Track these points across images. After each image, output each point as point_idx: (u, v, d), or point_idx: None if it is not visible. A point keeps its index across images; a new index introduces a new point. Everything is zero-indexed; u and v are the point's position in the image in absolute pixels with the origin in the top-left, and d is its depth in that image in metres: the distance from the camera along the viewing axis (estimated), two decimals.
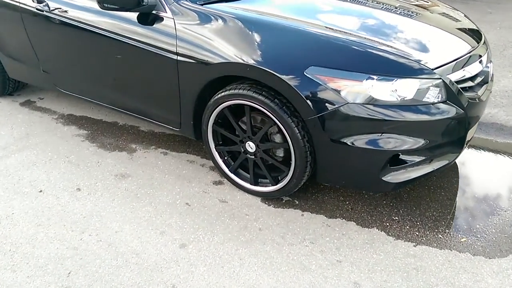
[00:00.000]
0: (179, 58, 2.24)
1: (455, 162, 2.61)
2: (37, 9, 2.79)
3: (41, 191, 2.48)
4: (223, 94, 2.18)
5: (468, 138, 2.17)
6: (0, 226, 2.21)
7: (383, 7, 2.58)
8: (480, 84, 2.25)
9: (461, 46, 2.24)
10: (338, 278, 1.89)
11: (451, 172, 2.57)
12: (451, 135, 2.07)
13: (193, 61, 2.21)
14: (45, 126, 3.19)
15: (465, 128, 2.09)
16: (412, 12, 2.55)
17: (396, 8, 2.58)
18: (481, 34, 2.48)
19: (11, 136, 3.07)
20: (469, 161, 2.68)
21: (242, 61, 2.05)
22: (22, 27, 2.97)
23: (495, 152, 2.77)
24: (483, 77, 2.27)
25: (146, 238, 2.12)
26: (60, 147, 2.91)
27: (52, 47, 2.93)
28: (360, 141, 1.94)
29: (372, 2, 2.66)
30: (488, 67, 2.34)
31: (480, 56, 2.24)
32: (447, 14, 2.68)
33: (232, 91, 2.15)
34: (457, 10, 2.83)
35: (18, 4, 2.90)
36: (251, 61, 2.03)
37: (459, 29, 2.49)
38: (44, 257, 2.01)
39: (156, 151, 2.85)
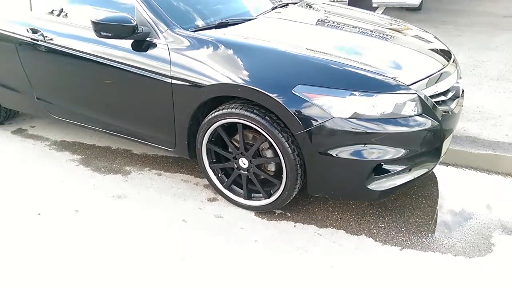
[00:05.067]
0: (174, 81, 2.38)
1: (433, 172, 2.79)
2: (32, 39, 2.91)
3: (39, 214, 2.53)
4: (216, 113, 2.33)
5: (444, 148, 2.35)
6: (4, 247, 2.26)
7: (359, 31, 2.79)
8: (452, 99, 2.45)
9: (433, 64, 2.45)
10: (332, 281, 2.00)
11: (431, 182, 2.74)
12: (428, 145, 2.24)
13: (187, 83, 2.35)
14: (39, 153, 3.26)
15: (441, 139, 2.27)
16: (387, 35, 2.76)
17: (371, 31, 2.79)
18: (450, 53, 2.71)
19: (5, 163, 3.12)
20: (447, 171, 2.86)
21: (234, 82, 2.21)
22: (16, 56, 3.07)
23: (469, 162, 2.97)
24: (454, 92, 2.47)
25: (147, 252, 2.20)
26: (55, 172, 2.97)
27: (46, 75, 3.04)
28: (346, 152, 2.10)
29: (349, 27, 2.87)
30: (459, 83, 2.55)
31: (450, 73, 2.45)
32: (419, 36, 2.91)
33: (225, 111, 2.29)
34: (428, 32, 3.07)
35: (12, 35, 3.02)
36: (242, 82, 2.19)
37: (431, 49, 2.71)
38: (49, 278, 2.07)
39: (151, 172, 2.94)
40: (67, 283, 2.04)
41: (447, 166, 2.89)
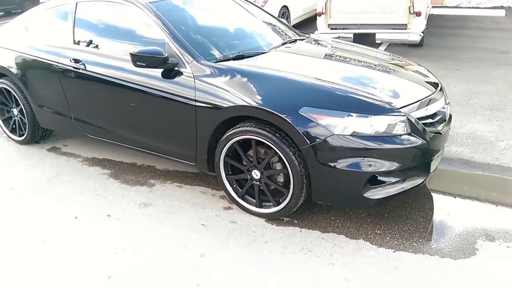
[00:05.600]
0: (197, 104, 2.78)
1: (427, 188, 3.11)
2: (74, 67, 3.37)
3: (76, 217, 2.89)
4: (233, 131, 2.70)
5: (433, 165, 2.68)
6: (49, 244, 2.61)
7: (364, 64, 3.18)
8: (439, 122, 2.80)
9: (422, 91, 2.82)
10: (332, 275, 2.31)
11: (424, 197, 3.05)
12: (417, 160, 2.58)
13: (209, 106, 2.74)
14: (73, 168, 3.65)
15: (429, 156, 2.61)
16: (389, 69, 3.15)
17: (375, 65, 3.18)
18: (438, 83, 3.08)
19: (43, 175, 3.52)
20: (439, 187, 3.17)
21: (248, 104, 2.59)
22: (58, 83, 3.52)
23: (461, 181, 3.28)
24: (441, 116, 2.83)
25: (170, 249, 2.53)
26: (88, 183, 3.35)
27: (84, 98, 3.47)
28: (345, 164, 2.44)
29: (355, 61, 3.26)
30: (445, 108, 2.91)
31: (437, 99, 2.81)
32: (416, 70, 3.29)
33: (241, 128, 2.67)
34: (421, 65, 3.45)
35: (57, 64, 3.48)
36: (256, 104, 2.57)
37: (421, 79, 3.08)
38: (87, 270, 2.41)
39: (172, 185, 3.30)
40: (102, 273, 2.37)
41: (440, 183, 3.20)
